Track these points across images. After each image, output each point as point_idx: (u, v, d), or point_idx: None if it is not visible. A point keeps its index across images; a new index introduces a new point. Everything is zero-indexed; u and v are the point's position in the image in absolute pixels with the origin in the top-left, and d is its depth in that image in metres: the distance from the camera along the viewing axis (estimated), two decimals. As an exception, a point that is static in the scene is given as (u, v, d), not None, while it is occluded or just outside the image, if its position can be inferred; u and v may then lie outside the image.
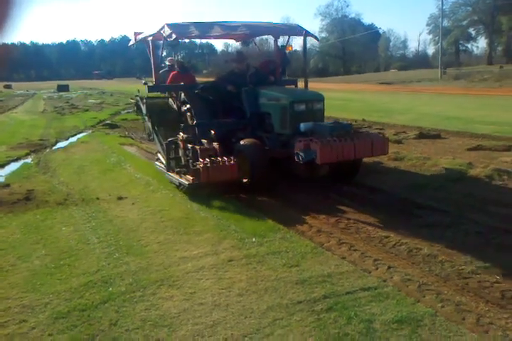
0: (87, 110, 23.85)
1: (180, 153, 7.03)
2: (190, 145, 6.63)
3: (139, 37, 8.92)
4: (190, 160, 6.51)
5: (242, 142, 6.67)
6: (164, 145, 7.46)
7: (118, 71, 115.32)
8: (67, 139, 13.89)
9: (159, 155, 8.28)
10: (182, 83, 8.47)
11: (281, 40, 8.92)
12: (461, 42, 71.29)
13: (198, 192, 6.57)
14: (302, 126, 6.47)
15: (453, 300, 3.55)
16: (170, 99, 8.92)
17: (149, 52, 8.57)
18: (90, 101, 31.58)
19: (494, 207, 5.77)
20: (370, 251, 4.60)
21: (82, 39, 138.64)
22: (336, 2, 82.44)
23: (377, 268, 4.16)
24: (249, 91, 7.46)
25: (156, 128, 8.31)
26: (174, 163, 7.20)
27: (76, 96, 39.01)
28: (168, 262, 4.46)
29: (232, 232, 5.19)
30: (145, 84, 8.51)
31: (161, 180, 7.74)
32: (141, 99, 8.99)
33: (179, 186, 6.88)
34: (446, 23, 61.88)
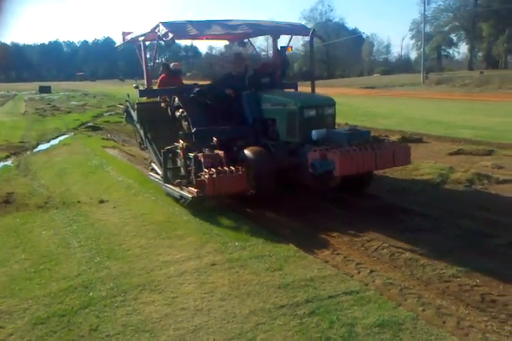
0: (69, 112, 23.63)
1: (179, 162, 6.35)
2: (191, 154, 5.93)
3: (129, 37, 8.46)
4: (193, 171, 5.87)
5: (246, 150, 6.09)
6: (161, 154, 6.79)
7: (101, 73, 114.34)
8: (49, 141, 13.74)
9: (153, 165, 7.57)
10: (172, 87, 8.05)
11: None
12: (443, 47, 72.25)
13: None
14: (314, 133, 5.94)
15: (434, 303, 3.58)
16: (162, 104, 8.39)
17: (140, 53, 8.18)
18: (73, 103, 31.27)
19: (475, 211, 5.84)
20: (353, 255, 4.62)
21: (65, 40, 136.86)
22: (320, 6, 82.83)
23: (359, 272, 4.18)
24: (250, 95, 6.96)
25: (149, 136, 7.69)
26: (172, 174, 6.54)
27: (58, 97, 38.61)
28: (150, 266, 4.42)
29: (214, 236, 5.16)
30: (136, 88, 7.93)
31: (142, 183, 7.68)
32: (132, 105, 8.39)
33: (180, 199, 6.21)
34: (428, 28, 62.78)
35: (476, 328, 3.23)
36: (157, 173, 7.26)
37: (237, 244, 4.87)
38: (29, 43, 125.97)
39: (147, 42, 8.68)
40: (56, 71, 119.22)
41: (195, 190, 5.63)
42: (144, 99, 8.21)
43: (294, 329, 3.27)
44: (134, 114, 8.16)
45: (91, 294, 3.89)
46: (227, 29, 7.23)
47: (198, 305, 3.66)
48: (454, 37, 70.38)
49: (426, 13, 52.82)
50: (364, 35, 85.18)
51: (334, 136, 5.89)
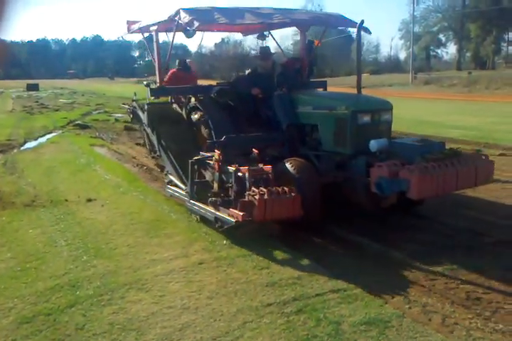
0: (57, 110, 23.42)
1: (208, 176, 5.41)
2: (231, 168, 4.84)
3: (136, 26, 7.38)
4: (234, 189, 4.80)
5: (288, 164, 5.09)
6: (178, 164, 6.09)
7: (90, 71, 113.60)
8: (36, 139, 13.60)
9: (171, 177, 6.40)
10: (185, 85, 7.23)
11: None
12: (432, 47, 72.66)
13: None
14: (374, 144, 5.00)
15: (420, 301, 3.61)
16: (174, 106, 7.50)
17: (150, 46, 7.26)
18: (61, 100, 31.00)
19: (463, 210, 5.89)
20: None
21: (53, 38, 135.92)
22: (310, 5, 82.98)
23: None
24: (284, 96, 6.02)
25: (163, 143, 6.62)
26: (197, 189, 5.54)
27: (46, 95, 38.26)
28: (137, 265, 4.41)
29: (203, 235, 5.16)
30: (147, 86, 6.96)
31: (131, 182, 7.65)
32: (141, 105, 7.43)
33: (216, 222, 4.99)
34: (417, 28, 63.14)
35: (460, 325, 3.25)
36: (176, 186, 6.18)
37: (225, 242, 4.87)
38: (17, 40, 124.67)
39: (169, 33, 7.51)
40: (44, 69, 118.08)
41: (241, 214, 4.40)
42: (152, 98, 7.14)
43: (281, 327, 3.28)
44: (144, 116, 7.19)
45: (78, 293, 3.87)
46: (262, 18, 6.20)
47: (185, 303, 3.66)
48: (442, 37, 70.89)
49: (415, 13, 53.11)
50: (353, 35, 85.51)
51: (401, 147, 5.01)
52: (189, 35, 5.94)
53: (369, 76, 65.84)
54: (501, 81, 36.43)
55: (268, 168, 4.78)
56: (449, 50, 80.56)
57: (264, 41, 8.21)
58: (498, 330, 3.17)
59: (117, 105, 25.56)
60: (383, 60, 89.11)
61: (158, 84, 6.91)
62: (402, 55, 79.08)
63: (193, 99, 6.77)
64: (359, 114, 5.21)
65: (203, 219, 5.35)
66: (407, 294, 3.72)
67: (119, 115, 19.72)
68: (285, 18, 6.30)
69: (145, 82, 7.08)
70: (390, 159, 4.75)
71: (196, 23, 5.59)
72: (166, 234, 5.22)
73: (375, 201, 4.99)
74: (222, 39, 75.35)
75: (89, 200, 6.68)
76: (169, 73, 7.95)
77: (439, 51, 74.69)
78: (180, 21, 5.83)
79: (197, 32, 5.94)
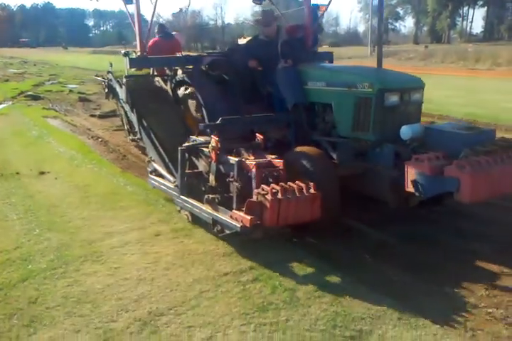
0: (6, 80, 22.38)
1: (202, 166, 4.63)
2: (234, 159, 4.01)
3: None
4: (237, 185, 3.92)
5: (299, 153, 4.31)
6: (164, 149, 5.23)
7: (41, 40, 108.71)
8: (-15, 111, 13.02)
9: (155, 165, 5.38)
10: (167, 54, 6.34)
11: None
12: (390, 21, 73.16)
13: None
14: (407, 130, 4.16)
15: (376, 269, 3.72)
16: (157, 79, 6.52)
17: (127, 8, 6.08)
18: (11, 70, 29.62)
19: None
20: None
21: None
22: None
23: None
24: (290, 70, 5.12)
25: (144, 123, 5.66)
26: (188, 181, 4.62)
27: (-6, 65, 36.50)
28: (92, 238, 4.34)
29: (160, 207, 5.12)
30: (125, 55, 5.87)
31: (85, 154, 7.47)
32: (118, 78, 6.46)
33: (214, 226, 4.07)
34: (376, 1, 63.22)
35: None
36: (162, 177, 5.19)
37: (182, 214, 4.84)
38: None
39: None
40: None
41: (248, 217, 3.51)
42: (132, 70, 6.22)
43: (237, 295, 3.33)
44: (122, 91, 6.19)
45: (30, 267, 3.78)
46: None
47: (141, 274, 3.65)
48: (401, 11, 71.50)
49: (374, -15, 53.01)
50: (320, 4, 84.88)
51: (440, 136, 4.09)
52: None
53: (328, 48, 65.84)
54: (456, 55, 37.23)
55: (279, 162, 3.94)
56: (407, 24, 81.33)
57: (260, 6, 7.40)
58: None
59: (71, 75, 24.72)
60: (342, 32, 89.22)
61: (139, 54, 5.91)
62: (361, 28, 79.21)
63: (179, 72, 5.91)
64: (386, 93, 4.36)
65: (196, 219, 4.47)
66: (362, 261, 3.84)
67: (74, 86, 19.10)
68: None
69: (123, 51, 6.06)
70: (425, 149, 4.01)
71: None
72: (122, 207, 5.15)
73: (401, 198, 4.18)
74: (180, 9, 73.29)
75: (42, 173, 6.49)
76: (150, 42, 7.07)
77: (397, 24, 75.39)
78: None
79: None
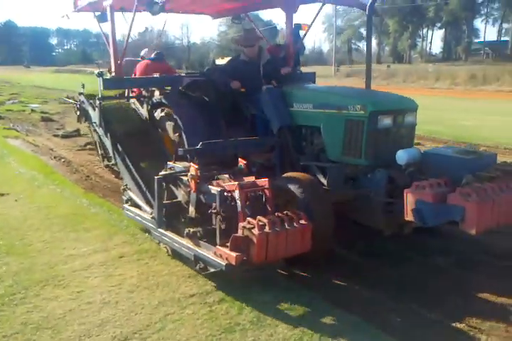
0: (-35, 100, 21.82)
1: (181, 196, 4.14)
2: (216, 188, 3.60)
3: (84, 1, 5.80)
4: (220, 218, 3.53)
5: (288, 179, 3.97)
6: (141, 177, 4.86)
7: (2, 58, 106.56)
8: None
9: (130, 193, 5.01)
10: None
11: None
12: (353, 41, 75.06)
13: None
14: (403, 154, 3.95)
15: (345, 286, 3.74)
16: (132, 100, 6.14)
17: (101, 27, 5.76)
18: (-30, 90, 28.91)
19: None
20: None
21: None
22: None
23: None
24: (275, 91, 4.98)
25: (119, 147, 5.31)
26: (168, 212, 4.22)
27: (-48, 84, 35.56)
28: (53, 261, 4.22)
29: (124, 228, 5.03)
30: (99, 75, 5.48)
31: (48, 175, 7.31)
32: (90, 100, 6.08)
33: (197, 263, 3.74)
34: (339, 22, 65.03)
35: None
36: (138, 207, 4.80)
37: (147, 235, 4.76)
38: None
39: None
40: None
41: (234, 254, 3.21)
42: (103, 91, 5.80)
43: (204, 317, 3.28)
44: (95, 114, 5.81)
45: (-13, 293, 3.64)
46: None
47: (104, 298, 3.56)
48: (363, 31, 73.37)
49: (337, 7, 54.49)
50: (278, 27, 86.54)
51: (439, 160, 3.86)
52: (155, 10, 4.59)
53: (294, 68, 66.83)
54: (417, 74, 38.49)
55: (263, 181, 3.60)
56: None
57: (241, 25, 6.97)
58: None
59: (34, 94, 24.31)
60: (307, 52, 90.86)
61: (113, 74, 5.54)
62: (325, 48, 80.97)
63: (157, 93, 5.66)
64: (380, 116, 4.15)
65: (176, 254, 4.11)
66: (327, 279, 3.85)
67: (36, 105, 18.76)
68: None
69: (96, 71, 5.60)
70: (422, 174, 3.83)
71: None
72: (85, 228, 5.03)
73: (395, 225, 4.03)
74: (146, 28, 73.45)
75: (1, 195, 6.30)
76: (142, 65, 6.85)
77: (360, 44, 77.32)
78: None
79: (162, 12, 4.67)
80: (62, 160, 8.58)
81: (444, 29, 66.14)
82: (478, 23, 77.04)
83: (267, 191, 3.56)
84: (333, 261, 4.12)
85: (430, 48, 73.48)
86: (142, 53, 8.04)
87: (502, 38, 63.20)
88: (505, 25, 62.84)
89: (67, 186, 6.70)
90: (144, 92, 6.00)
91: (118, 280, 3.83)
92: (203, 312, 3.34)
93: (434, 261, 4.18)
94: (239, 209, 3.41)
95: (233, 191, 3.46)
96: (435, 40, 79.48)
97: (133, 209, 4.85)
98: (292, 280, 3.81)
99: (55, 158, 8.80)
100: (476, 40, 65.31)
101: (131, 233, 4.86)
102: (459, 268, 4.05)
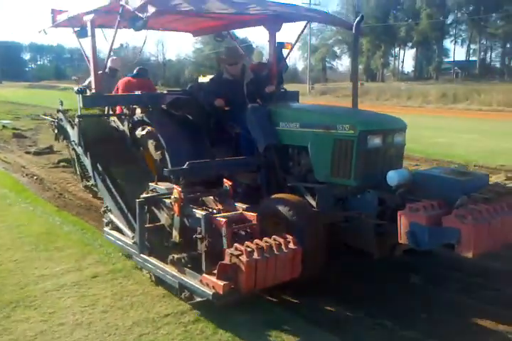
0: None
1: (164, 219, 3.97)
2: (201, 212, 3.49)
3: (64, 16, 5.57)
4: (206, 243, 3.42)
5: (277, 201, 3.89)
6: (122, 199, 4.72)
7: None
8: None
9: (111, 216, 4.83)
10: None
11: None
12: (328, 59, 76.33)
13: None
14: (394, 175, 3.82)
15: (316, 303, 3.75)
16: (113, 118, 5.99)
17: (80, 42, 5.57)
18: None
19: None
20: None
21: None
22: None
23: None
24: (260, 110, 4.88)
25: (99, 167, 5.15)
26: (150, 236, 4.03)
27: None
28: (24, 281, 4.14)
29: (97, 247, 4.97)
30: (79, 92, 5.25)
31: (19, 193, 7.18)
32: (69, 117, 5.98)
33: (182, 291, 3.61)
34: (314, 40, 66.13)
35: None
36: (120, 232, 4.63)
37: (121, 254, 4.71)
38: None
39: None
40: None
41: (221, 283, 3.04)
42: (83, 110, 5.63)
43: (179, 337, 3.25)
44: (74, 133, 5.69)
45: (-46, 316, 3.54)
46: (236, 7, 4.74)
47: (77, 319, 3.50)
48: (337, 50, 74.79)
49: (312, 26, 55.53)
50: (254, 45, 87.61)
51: (432, 182, 3.76)
52: (138, 26, 4.33)
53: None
54: (390, 93, 39.32)
55: (252, 215, 3.48)
56: (344, 62, 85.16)
57: (221, 42, 6.89)
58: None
59: (5, 110, 23.92)
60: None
61: (93, 91, 5.36)
62: (300, 66, 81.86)
63: (138, 111, 5.51)
64: (369, 136, 4.07)
65: (160, 281, 3.94)
66: (302, 296, 3.86)
67: (7, 121, 18.45)
68: (264, 9, 4.87)
69: (76, 88, 5.39)
70: (413, 196, 3.72)
71: (152, 9, 4.09)
72: (57, 248, 4.95)
73: (386, 248, 3.95)
74: (121, 44, 73.28)
75: (-29, 214, 6.17)
76: (122, 82, 6.73)
77: (334, 63, 78.65)
78: (127, 6, 4.33)
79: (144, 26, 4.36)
80: (35, 177, 8.45)
81: (415, 48, 67.85)
82: (448, 43, 79.70)
83: (254, 227, 3.45)
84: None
85: (402, 67, 75.09)
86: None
87: (470, 58, 65.21)
88: (473, 46, 64.91)
89: (40, 204, 6.60)
90: (125, 110, 5.86)
91: (91, 301, 3.77)
92: (177, 332, 3.32)
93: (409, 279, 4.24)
94: (224, 246, 3.24)
95: (220, 227, 3.32)
96: (407, 59, 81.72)
97: (114, 233, 4.67)
98: (269, 300, 3.81)
99: (27, 175, 8.66)
100: (446, 60, 67.17)
101: (104, 252, 4.80)
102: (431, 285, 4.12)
